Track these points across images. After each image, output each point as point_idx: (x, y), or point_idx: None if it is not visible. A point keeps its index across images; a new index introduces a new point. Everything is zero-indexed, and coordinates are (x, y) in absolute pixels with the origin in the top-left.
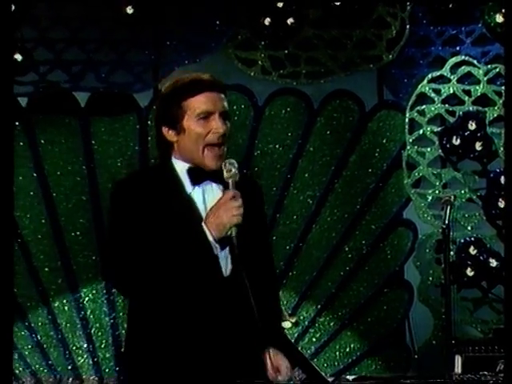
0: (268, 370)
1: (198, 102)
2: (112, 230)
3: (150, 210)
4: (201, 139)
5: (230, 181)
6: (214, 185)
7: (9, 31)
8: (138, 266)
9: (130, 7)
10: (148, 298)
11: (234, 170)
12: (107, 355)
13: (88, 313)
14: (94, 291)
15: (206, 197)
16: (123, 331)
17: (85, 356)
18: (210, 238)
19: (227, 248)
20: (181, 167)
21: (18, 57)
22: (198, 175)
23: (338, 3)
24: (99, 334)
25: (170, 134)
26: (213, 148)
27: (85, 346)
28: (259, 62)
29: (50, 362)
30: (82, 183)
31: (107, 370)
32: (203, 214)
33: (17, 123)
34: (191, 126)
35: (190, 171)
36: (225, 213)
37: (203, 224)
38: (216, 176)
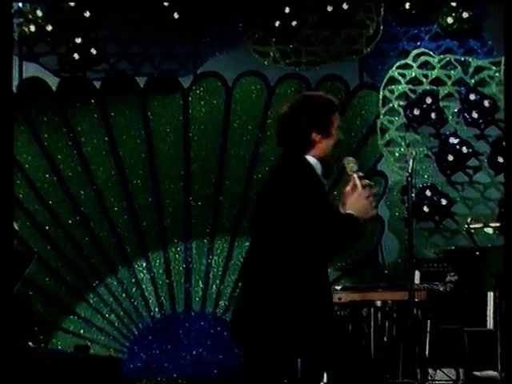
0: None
1: (337, 118)
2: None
3: (319, 193)
4: (335, 142)
5: (356, 175)
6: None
7: (8, 30)
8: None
9: (176, 13)
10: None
11: (356, 166)
12: (160, 271)
13: (147, 240)
14: (150, 224)
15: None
16: (171, 254)
17: (144, 272)
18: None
19: None
20: (314, 163)
21: (93, 51)
22: (328, 171)
23: (330, 10)
24: (155, 255)
25: (318, 137)
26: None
27: (144, 264)
28: (271, 54)
29: (118, 276)
30: (142, 144)
31: (160, 283)
32: None
33: (92, 101)
34: (334, 133)
35: (324, 167)
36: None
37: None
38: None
